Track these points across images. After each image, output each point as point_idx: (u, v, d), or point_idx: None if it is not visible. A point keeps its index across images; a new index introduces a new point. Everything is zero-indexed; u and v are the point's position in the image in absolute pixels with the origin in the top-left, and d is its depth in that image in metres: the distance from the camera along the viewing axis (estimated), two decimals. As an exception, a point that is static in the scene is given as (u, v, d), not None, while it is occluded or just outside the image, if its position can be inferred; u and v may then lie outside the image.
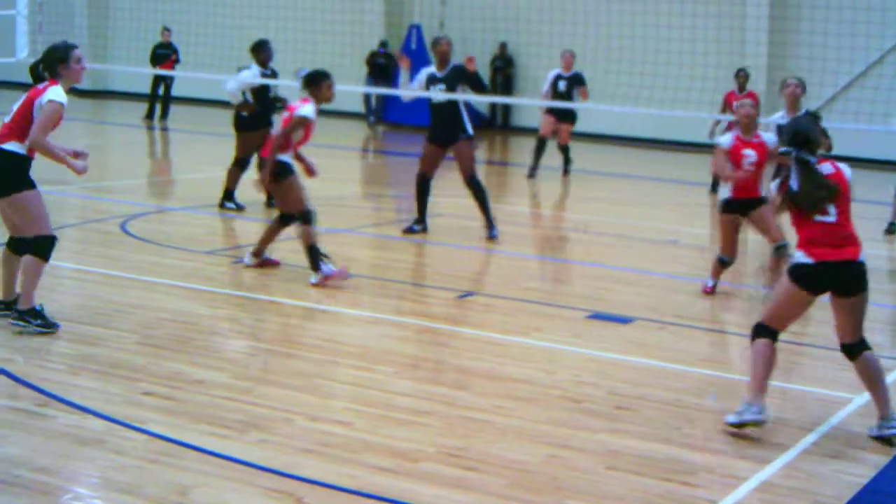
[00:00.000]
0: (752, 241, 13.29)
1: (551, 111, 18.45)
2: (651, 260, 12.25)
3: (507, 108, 28.06)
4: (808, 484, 6.02)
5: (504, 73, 27.49)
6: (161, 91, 25.21)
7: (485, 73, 27.27)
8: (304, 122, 9.95)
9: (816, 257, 6.59)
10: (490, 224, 12.73)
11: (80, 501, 5.31)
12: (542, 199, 16.88)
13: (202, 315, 8.75)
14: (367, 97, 27.55)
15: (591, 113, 21.61)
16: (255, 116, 13.67)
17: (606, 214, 15.52)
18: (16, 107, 7.90)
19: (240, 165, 13.86)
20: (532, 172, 18.63)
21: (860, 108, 19.05)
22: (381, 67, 26.96)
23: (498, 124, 28.05)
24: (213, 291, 9.53)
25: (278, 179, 10.00)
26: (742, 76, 17.75)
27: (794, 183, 6.66)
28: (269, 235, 10.31)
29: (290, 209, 10.11)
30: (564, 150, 18.94)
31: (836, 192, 6.62)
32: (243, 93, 13.70)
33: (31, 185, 7.94)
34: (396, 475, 5.75)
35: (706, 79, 21.03)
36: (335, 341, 8.09)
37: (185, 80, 25.22)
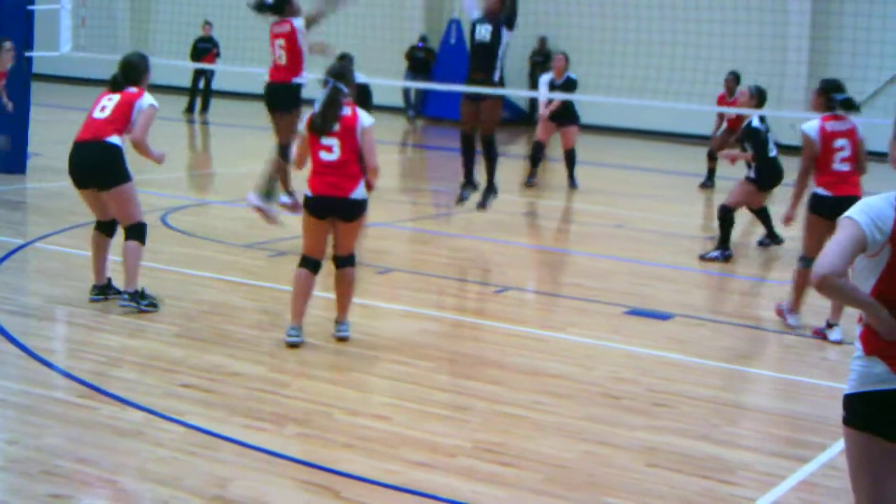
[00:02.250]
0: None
1: (552, 116, 17.16)
2: (690, 256, 12.19)
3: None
4: (847, 483, 5.92)
5: (543, 67, 27.38)
6: (202, 85, 25.35)
7: (524, 68, 27.28)
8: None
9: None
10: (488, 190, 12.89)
11: (119, 492, 5.35)
12: (579, 194, 16.80)
13: (241, 308, 8.79)
14: (406, 91, 27.58)
15: (627, 108, 21.53)
16: None
17: (645, 210, 15.45)
18: (109, 105, 8.50)
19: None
20: (531, 181, 17.29)
21: (903, 103, 18.87)
22: (420, 62, 27.00)
23: (537, 119, 27.96)
24: (252, 284, 9.57)
25: (283, 109, 10.95)
26: (731, 79, 17.48)
27: None
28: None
29: (282, 139, 11.01)
30: (570, 155, 17.33)
31: None
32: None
33: (130, 176, 8.50)
34: (434, 470, 5.76)
35: (758, 74, 20.86)
36: (373, 335, 8.11)
37: (225, 73, 25.34)
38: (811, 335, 9.02)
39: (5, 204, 12.82)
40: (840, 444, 6.39)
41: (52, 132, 18.84)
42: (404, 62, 27.06)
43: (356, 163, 7.72)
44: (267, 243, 11.31)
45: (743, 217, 14.16)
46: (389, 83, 22.83)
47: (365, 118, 7.79)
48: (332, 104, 7.72)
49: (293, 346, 7.73)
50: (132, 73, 8.68)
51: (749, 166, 12.32)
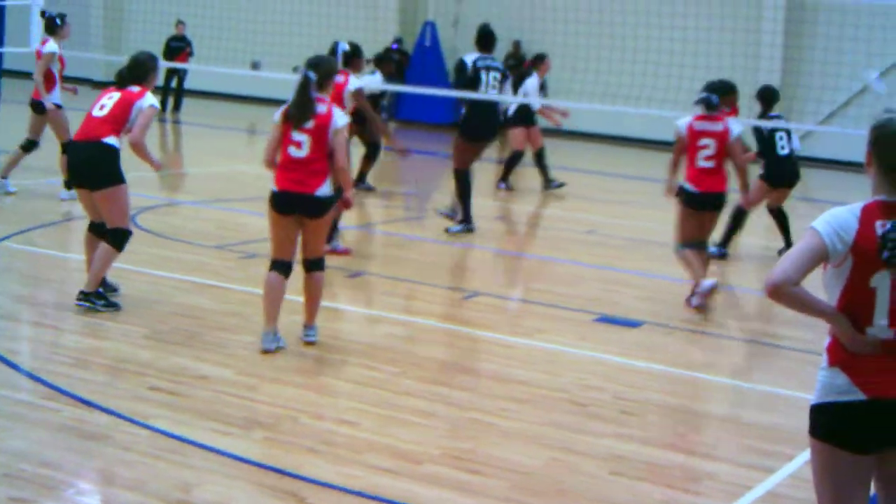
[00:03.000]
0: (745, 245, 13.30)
1: (524, 121, 16.87)
2: (661, 263, 12.21)
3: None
4: (814, 494, 5.98)
5: (517, 71, 27.43)
6: (174, 84, 25.25)
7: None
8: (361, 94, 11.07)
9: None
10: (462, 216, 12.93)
11: (83, 496, 5.33)
12: (550, 200, 16.83)
13: (209, 310, 8.76)
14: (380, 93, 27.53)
15: (601, 114, 21.57)
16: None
17: (615, 216, 15.49)
18: (108, 104, 8.43)
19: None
20: (504, 186, 17.20)
21: (873, 112, 18.96)
22: (394, 64, 26.95)
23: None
24: (221, 286, 9.53)
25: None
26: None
27: None
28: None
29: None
30: (540, 156, 17.26)
31: None
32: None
33: (124, 178, 8.42)
34: (400, 476, 5.75)
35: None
36: (341, 339, 8.09)
37: (197, 73, 25.25)
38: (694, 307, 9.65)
39: (-26, 202, 12.72)
40: (806, 455, 6.44)
41: (22, 130, 18.71)
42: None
43: (324, 160, 7.67)
44: (237, 245, 11.28)
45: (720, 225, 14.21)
46: (362, 85, 22.81)
47: (339, 118, 7.71)
48: (303, 92, 7.64)
49: (267, 352, 7.68)
50: (138, 70, 8.58)
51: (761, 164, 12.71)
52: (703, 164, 9.71)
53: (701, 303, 9.65)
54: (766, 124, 12.66)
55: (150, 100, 8.50)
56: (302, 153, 7.64)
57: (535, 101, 16.72)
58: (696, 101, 9.89)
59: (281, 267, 7.80)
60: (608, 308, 9.90)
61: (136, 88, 8.51)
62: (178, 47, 24.61)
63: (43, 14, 13.30)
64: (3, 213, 12.30)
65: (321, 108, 7.66)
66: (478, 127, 12.83)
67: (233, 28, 25.44)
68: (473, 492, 5.63)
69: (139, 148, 8.43)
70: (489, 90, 12.69)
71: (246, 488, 5.49)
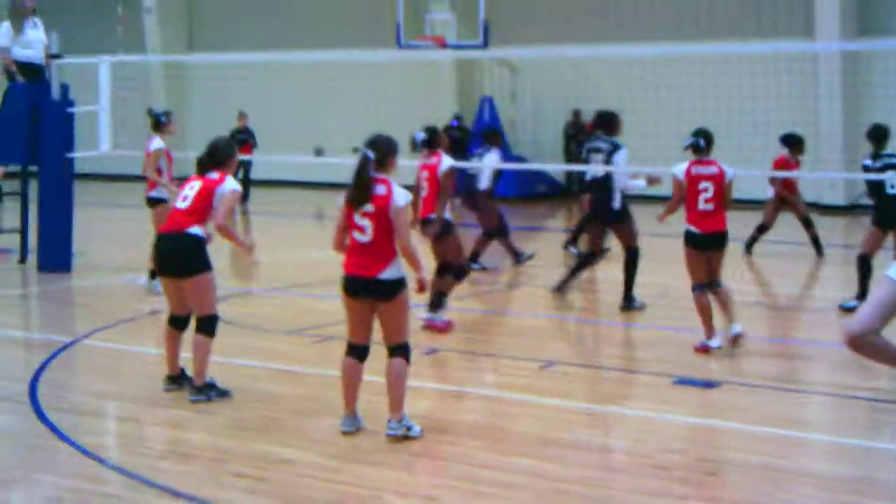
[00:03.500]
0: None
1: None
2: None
3: (582, 176, 28.04)
4: (908, 545, 5.88)
5: (578, 140, 27.54)
6: (241, 175, 25.65)
7: (558, 140, 27.48)
8: (452, 174, 11.20)
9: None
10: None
11: (175, 586, 5.37)
12: (618, 263, 16.74)
13: (288, 395, 8.82)
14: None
15: (665, 176, 21.49)
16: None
17: (685, 277, 15.37)
18: (191, 195, 8.58)
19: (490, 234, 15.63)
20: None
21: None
22: (455, 140, 27.17)
23: (574, 191, 28.04)
24: (298, 371, 9.60)
25: (438, 237, 11.26)
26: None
27: None
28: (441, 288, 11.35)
29: (448, 260, 11.31)
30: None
31: None
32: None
33: (211, 266, 8.63)
34: (487, 550, 5.73)
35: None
36: (420, 416, 8.09)
37: (262, 163, 25.63)
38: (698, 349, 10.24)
39: (52, 302, 12.99)
40: (898, 507, 6.34)
41: (96, 230, 19.11)
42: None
43: (389, 243, 7.55)
44: (311, 329, 11.37)
45: (792, 278, 14.10)
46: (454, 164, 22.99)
47: (399, 197, 7.55)
48: (360, 172, 7.56)
49: (348, 434, 7.69)
50: (217, 155, 8.72)
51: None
52: (703, 206, 10.30)
53: (719, 345, 10.31)
54: (875, 163, 12.38)
55: (231, 184, 8.65)
56: (366, 238, 7.54)
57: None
58: (686, 145, 10.46)
59: (355, 351, 7.74)
60: (685, 370, 9.82)
61: (215, 175, 8.64)
62: (242, 139, 25.02)
63: (149, 112, 13.69)
64: (80, 312, 12.53)
65: (380, 190, 7.54)
66: None
67: (294, 116, 25.84)
68: (562, 562, 5.59)
69: (225, 231, 8.62)
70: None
71: (335, 570, 5.50)
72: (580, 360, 10.23)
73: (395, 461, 7.22)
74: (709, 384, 9.27)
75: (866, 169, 12.51)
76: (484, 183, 15.68)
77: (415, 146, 11.53)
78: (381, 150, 7.65)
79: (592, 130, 17.61)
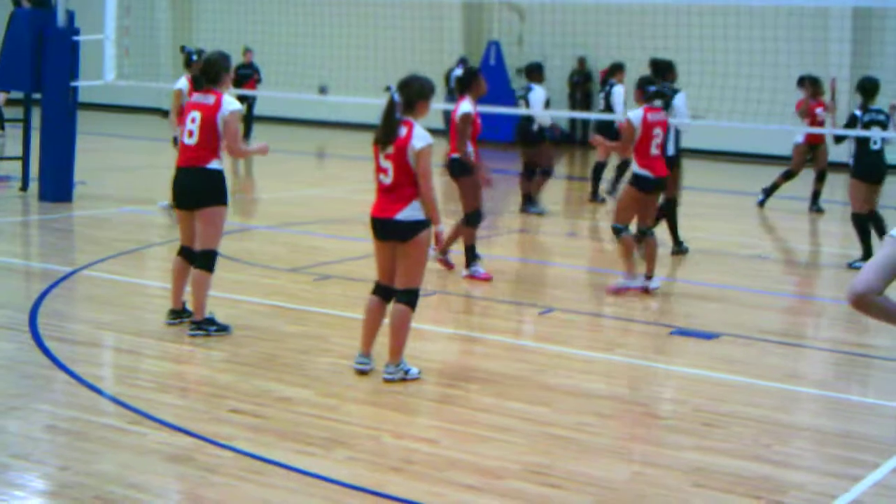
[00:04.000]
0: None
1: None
2: (736, 276, 12.13)
3: (585, 124, 27.97)
4: (901, 502, 5.91)
5: (583, 88, 27.44)
6: (244, 111, 25.52)
7: (563, 89, 27.33)
8: (468, 118, 10.86)
9: None
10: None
11: (170, 518, 5.39)
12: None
13: (287, 333, 8.83)
14: (446, 113, 27.62)
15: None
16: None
17: (688, 229, 15.36)
18: (195, 129, 8.46)
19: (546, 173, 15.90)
20: (600, 198, 17.64)
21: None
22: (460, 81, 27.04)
23: (577, 139, 27.99)
24: (298, 309, 9.60)
25: (456, 177, 11.12)
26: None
27: None
28: (454, 235, 11.35)
29: (464, 207, 11.17)
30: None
31: None
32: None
33: (227, 201, 8.65)
34: (482, 492, 5.75)
35: (789, 92, 20.77)
36: (418, 357, 8.10)
37: (266, 99, 25.52)
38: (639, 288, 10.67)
39: (53, 232, 12.96)
40: (892, 463, 6.37)
41: (98, 160, 19.07)
42: (444, 84, 27.13)
43: (410, 185, 7.46)
44: (311, 267, 11.36)
45: (798, 233, 14.12)
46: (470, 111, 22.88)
47: (418, 140, 7.41)
48: (386, 114, 7.49)
49: (362, 373, 7.69)
50: (210, 70, 8.59)
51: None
52: (654, 152, 10.59)
53: (621, 289, 10.68)
54: (864, 116, 12.64)
55: (230, 105, 8.52)
56: (388, 179, 7.49)
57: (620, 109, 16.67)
58: (652, 92, 10.64)
59: (381, 290, 7.73)
60: (683, 321, 9.84)
61: (210, 99, 8.51)
62: (246, 74, 24.87)
63: (181, 49, 13.57)
64: (81, 242, 12.51)
65: (401, 131, 7.44)
66: None
67: (299, 54, 25.67)
68: (557, 507, 5.62)
69: (239, 153, 8.71)
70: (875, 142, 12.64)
71: (330, 507, 5.52)
72: (579, 307, 10.22)
73: (393, 402, 7.24)
74: (707, 336, 9.28)
75: (855, 119, 12.72)
76: (547, 120, 15.81)
77: (449, 84, 11.66)
78: (410, 94, 7.54)
79: (605, 77, 17.55)
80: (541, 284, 11.36)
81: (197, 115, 8.51)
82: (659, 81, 11.03)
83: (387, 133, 7.46)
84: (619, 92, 16.91)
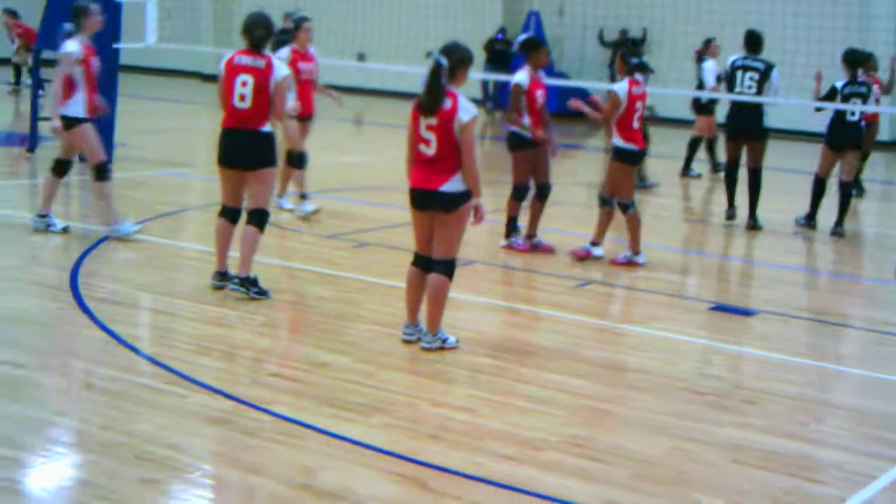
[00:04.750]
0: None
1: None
2: (775, 252, 12.05)
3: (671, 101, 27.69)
4: (941, 484, 5.87)
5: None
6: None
7: (605, 61, 27.14)
8: (518, 90, 10.61)
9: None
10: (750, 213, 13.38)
11: (210, 479, 5.42)
12: (665, 188, 16.65)
13: (325, 298, 8.85)
14: (484, 84, 27.54)
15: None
16: None
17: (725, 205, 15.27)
18: (247, 93, 8.51)
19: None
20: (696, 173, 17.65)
21: None
22: (499, 54, 26.92)
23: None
24: (336, 275, 9.61)
25: (510, 150, 11.01)
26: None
27: None
28: (533, 215, 11.18)
29: (513, 180, 11.08)
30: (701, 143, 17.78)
31: None
32: None
33: (277, 162, 8.87)
34: (521, 463, 5.75)
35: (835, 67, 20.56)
36: (456, 327, 8.09)
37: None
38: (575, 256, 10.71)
39: (93, 193, 13.01)
40: (933, 445, 6.31)
41: (138, 123, 19.11)
42: (483, 54, 27.01)
43: (454, 157, 7.39)
44: (349, 234, 11.37)
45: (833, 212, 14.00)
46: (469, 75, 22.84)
47: (464, 112, 7.33)
48: (433, 80, 7.36)
49: (407, 342, 7.67)
50: (255, 33, 8.61)
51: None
52: (636, 124, 10.58)
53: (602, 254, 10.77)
54: (845, 89, 13.12)
55: (281, 70, 8.61)
56: (430, 151, 7.41)
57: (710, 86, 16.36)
58: (634, 64, 10.66)
59: (420, 261, 7.68)
60: (722, 296, 9.79)
61: (261, 63, 8.55)
62: (285, 40, 24.82)
63: (286, 16, 13.49)
64: (120, 204, 12.55)
65: (446, 103, 7.35)
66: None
67: (339, 20, 25.62)
68: (595, 479, 5.61)
69: (285, 118, 8.81)
70: (745, 90, 13.18)
71: (368, 473, 5.54)
72: (616, 280, 10.19)
73: (431, 370, 7.25)
74: (745, 312, 9.23)
75: (835, 91, 13.16)
76: None
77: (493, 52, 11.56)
78: (455, 59, 7.44)
79: (700, 54, 16.94)
80: (583, 258, 11.30)
81: (249, 79, 8.52)
82: (642, 53, 11.05)
83: (433, 101, 7.37)
84: (709, 67, 16.55)
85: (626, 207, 10.67)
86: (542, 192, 10.95)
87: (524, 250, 10.96)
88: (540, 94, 10.66)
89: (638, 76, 10.68)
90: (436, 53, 7.45)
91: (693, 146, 17.47)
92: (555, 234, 11.54)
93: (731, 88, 13.40)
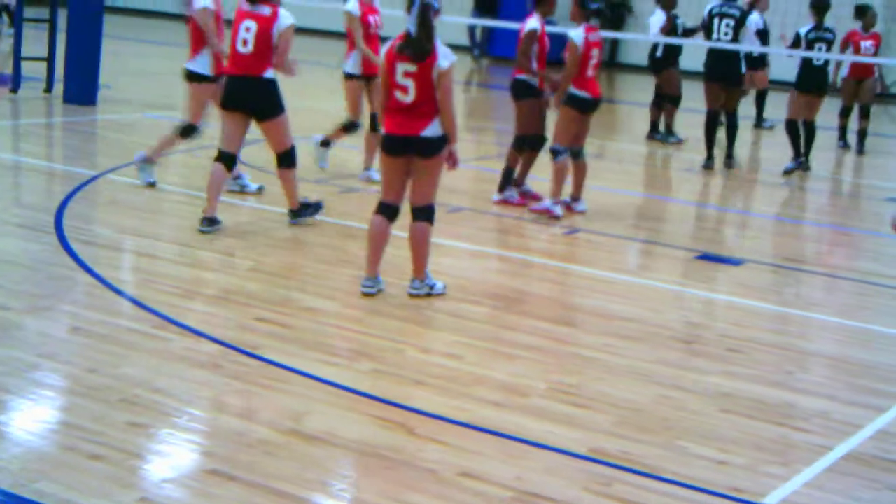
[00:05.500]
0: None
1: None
2: (762, 202, 12.06)
3: (614, 45, 27.68)
4: (925, 434, 5.91)
5: (626, 6, 27.09)
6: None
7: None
8: (533, 36, 10.31)
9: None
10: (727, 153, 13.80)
11: (198, 423, 5.40)
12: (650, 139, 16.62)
13: (312, 243, 8.82)
14: (471, 29, 27.35)
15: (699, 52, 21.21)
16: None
17: (720, 155, 15.25)
18: (250, 38, 8.63)
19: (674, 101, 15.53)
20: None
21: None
22: (486, 1, 26.72)
23: (604, 61, 27.68)
24: (321, 220, 9.56)
25: (516, 98, 10.62)
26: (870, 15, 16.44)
27: None
28: (524, 164, 10.90)
29: (516, 129, 10.74)
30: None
31: None
32: None
33: (285, 107, 9.01)
34: (507, 409, 5.76)
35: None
36: (442, 273, 8.06)
37: (292, 8, 25.27)
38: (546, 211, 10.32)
39: (77, 135, 12.93)
40: (918, 395, 6.34)
41: (123, 64, 18.96)
42: (471, 0, 26.82)
43: (432, 102, 7.30)
44: (336, 179, 11.32)
45: (828, 164, 13.99)
46: (455, 20, 22.65)
47: (443, 58, 7.24)
48: (425, 24, 7.19)
49: (367, 295, 7.56)
50: None
51: None
52: (591, 72, 10.28)
53: (560, 213, 10.31)
54: (810, 34, 13.67)
55: (286, 19, 8.68)
56: (408, 98, 7.29)
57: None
58: (590, 12, 10.28)
59: (387, 210, 7.55)
60: (709, 246, 9.80)
61: (266, 10, 8.63)
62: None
63: None
64: (104, 146, 12.49)
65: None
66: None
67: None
68: (581, 426, 5.63)
69: (287, 69, 8.82)
70: (722, 37, 13.50)
71: (355, 418, 5.54)
72: (604, 229, 10.17)
73: (418, 316, 7.24)
74: (733, 261, 9.24)
75: (798, 37, 13.75)
76: (660, 50, 15.23)
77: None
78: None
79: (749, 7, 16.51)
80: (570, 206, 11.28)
81: (252, 24, 8.60)
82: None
83: (424, 48, 7.23)
84: (754, 19, 15.90)
85: (557, 154, 10.29)
86: (537, 143, 10.79)
87: (520, 204, 10.80)
88: (547, 43, 10.53)
89: (594, 22, 10.31)
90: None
91: (761, 99, 17.43)
92: (545, 184, 11.49)
93: (708, 36, 13.61)
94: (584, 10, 10.25)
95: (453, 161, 7.47)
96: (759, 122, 17.66)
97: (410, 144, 7.39)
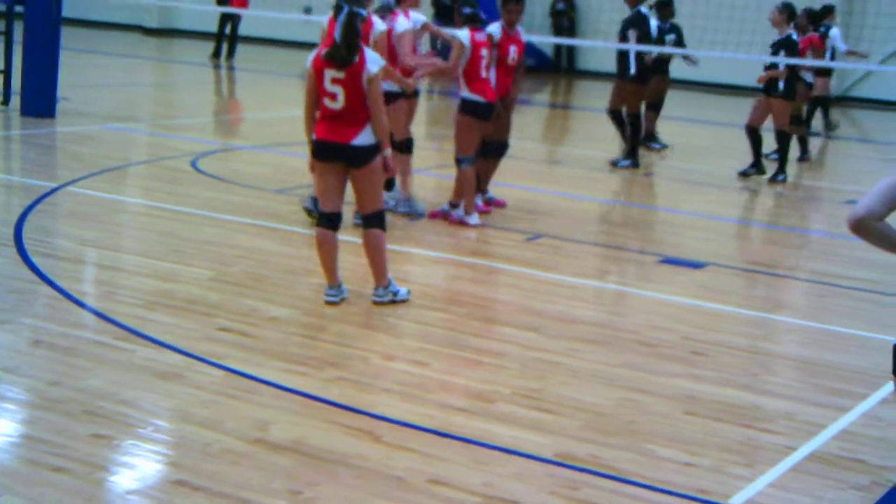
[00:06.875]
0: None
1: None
2: (723, 206, 12.13)
3: (571, 51, 27.79)
4: (888, 433, 5.95)
5: (568, 15, 27.21)
6: (228, 30, 25.22)
7: (546, 17, 27.08)
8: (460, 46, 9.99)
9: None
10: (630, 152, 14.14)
11: (162, 434, 5.36)
12: (613, 144, 16.68)
13: (274, 252, 8.78)
14: (433, 38, 27.33)
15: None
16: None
17: (677, 159, 15.34)
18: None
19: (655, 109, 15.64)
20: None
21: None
22: (446, 8, 26.74)
23: (563, 67, 27.81)
24: (284, 229, 9.54)
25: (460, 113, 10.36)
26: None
27: None
28: (487, 171, 10.76)
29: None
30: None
31: None
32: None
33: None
34: (473, 415, 5.76)
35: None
36: (406, 281, 8.06)
37: (250, 19, 25.20)
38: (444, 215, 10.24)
39: (36, 147, 12.82)
40: (881, 394, 6.40)
41: (81, 76, 18.83)
42: (431, 9, 26.84)
43: (362, 109, 7.25)
44: (297, 188, 11.29)
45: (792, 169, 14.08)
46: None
47: (372, 63, 7.22)
48: (350, 31, 7.16)
49: (331, 304, 7.53)
50: None
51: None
52: (483, 74, 9.97)
53: (476, 222, 10.11)
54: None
55: (379, 24, 9.07)
56: (337, 105, 7.24)
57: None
58: (464, 17, 10.05)
59: (328, 220, 7.46)
60: (671, 250, 9.84)
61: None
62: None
63: None
64: (63, 159, 12.39)
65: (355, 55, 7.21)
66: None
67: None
68: (547, 430, 5.63)
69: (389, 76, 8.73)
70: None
71: (322, 427, 5.51)
72: (567, 234, 10.19)
73: (382, 324, 7.23)
74: (695, 265, 9.28)
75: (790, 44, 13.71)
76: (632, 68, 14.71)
77: None
78: (364, 7, 7.32)
79: (817, 22, 16.41)
80: (528, 211, 11.30)
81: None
82: (475, 4, 10.34)
83: (349, 54, 7.17)
84: (834, 33, 16.20)
85: (460, 162, 10.13)
86: (500, 150, 10.78)
87: (484, 211, 10.76)
88: (513, 50, 10.44)
89: (473, 25, 9.99)
90: (346, 6, 7.17)
91: (825, 106, 17.42)
92: (506, 189, 11.52)
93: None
94: (461, 15, 10.13)
95: (387, 168, 7.44)
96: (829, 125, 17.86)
97: (341, 152, 7.33)
